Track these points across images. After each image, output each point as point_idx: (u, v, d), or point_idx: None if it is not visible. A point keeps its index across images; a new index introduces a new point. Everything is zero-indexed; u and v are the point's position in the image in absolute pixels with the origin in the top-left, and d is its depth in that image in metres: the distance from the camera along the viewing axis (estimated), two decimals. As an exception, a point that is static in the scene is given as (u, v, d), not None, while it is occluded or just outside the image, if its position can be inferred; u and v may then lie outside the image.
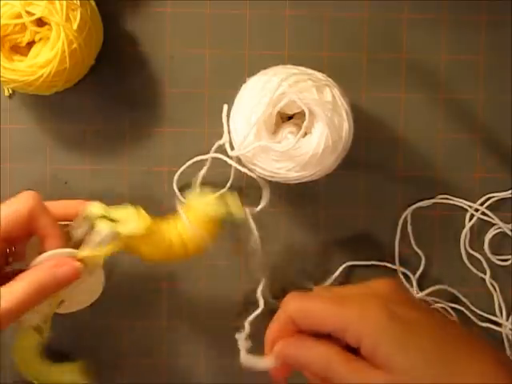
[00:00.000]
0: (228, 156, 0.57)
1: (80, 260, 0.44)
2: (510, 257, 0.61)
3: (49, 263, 0.43)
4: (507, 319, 0.61)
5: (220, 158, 0.58)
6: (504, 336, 0.60)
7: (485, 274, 0.61)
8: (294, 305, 0.38)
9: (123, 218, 0.47)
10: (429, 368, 0.33)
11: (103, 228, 0.45)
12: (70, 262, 0.43)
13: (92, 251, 0.45)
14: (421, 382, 0.33)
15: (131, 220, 0.46)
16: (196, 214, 0.50)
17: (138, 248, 0.48)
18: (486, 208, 0.60)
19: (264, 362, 0.41)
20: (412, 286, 0.60)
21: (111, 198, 0.60)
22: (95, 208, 0.46)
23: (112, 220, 0.46)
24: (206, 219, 0.49)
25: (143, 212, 0.48)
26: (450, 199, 0.60)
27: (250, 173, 0.55)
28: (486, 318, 0.61)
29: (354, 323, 0.35)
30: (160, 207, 0.60)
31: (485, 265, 0.61)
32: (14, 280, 0.41)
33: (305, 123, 0.51)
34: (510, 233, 0.60)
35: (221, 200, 0.50)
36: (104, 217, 0.46)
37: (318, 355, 0.36)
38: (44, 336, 0.46)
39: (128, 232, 0.46)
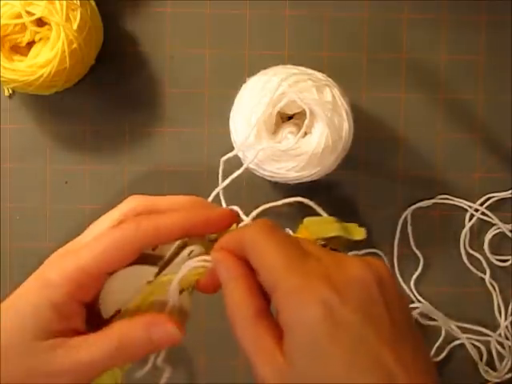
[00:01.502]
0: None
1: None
2: (509, 257, 0.61)
3: (143, 320, 0.34)
4: (505, 319, 0.61)
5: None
6: (492, 347, 0.60)
7: (484, 273, 0.61)
8: (251, 232, 0.32)
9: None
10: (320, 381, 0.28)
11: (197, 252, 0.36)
12: (167, 326, 0.36)
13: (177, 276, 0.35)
14: None
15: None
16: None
17: None
18: (486, 208, 0.60)
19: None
20: (409, 286, 0.60)
21: (111, 198, 0.60)
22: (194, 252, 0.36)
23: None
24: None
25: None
26: (450, 199, 0.60)
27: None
28: (476, 330, 0.61)
29: (281, 292, 0.30)
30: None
31: (484, 265, 0.61)
32: (109, 333, 0.34)
33: (306, 122, 0.51)
34: (509, 233, 0.60)
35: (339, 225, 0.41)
36: None
37: (228, 299, 0.32)
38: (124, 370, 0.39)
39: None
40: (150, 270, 0.35)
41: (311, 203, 0.41)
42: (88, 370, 0.33)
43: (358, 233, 0.40)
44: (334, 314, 0.28)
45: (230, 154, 0.55)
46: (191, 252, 0.35)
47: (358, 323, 0.28)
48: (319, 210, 0.41)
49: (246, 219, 0.39)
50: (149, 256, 0.35)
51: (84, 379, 0.33)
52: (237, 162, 0.56)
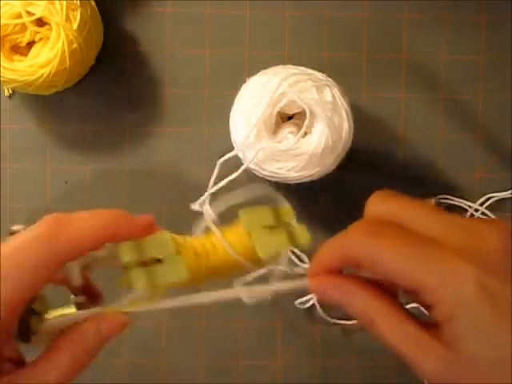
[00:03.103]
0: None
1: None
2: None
3: (92, 325, 0.33)
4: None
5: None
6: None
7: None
8: (360, 244, 0.29)
9: (161, 256, 0.34)
10: (496, 367, 0.27)
11: (137, 283, 0.33)
12: (114, 316, 0.33)
13: (128, 305, 0.34)
14: (479, 376, 0.27)
15: (173, 262, 0.34)
16: (245, 243, 0.36)
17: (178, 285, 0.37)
18: (486, 208, 0.60)
19: (301, 283, 0.33)
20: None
21: (111, 198, 0.60)
22: (125, 254, 0.34)
23: (147, 263, 0.34)
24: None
25: (187, 241, 0.36)
26: (450, 199, 0.60)
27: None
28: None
29: (433, 289, 0.28)
30: (161, 207, 0.60)
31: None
32: (55, 351, 0.32)
33: (306, 122, 0.51)
34: (509, 233, 0.60)
35: (279, 224, 0.37)
36: (137, 263, 0.34)
37: (360, 309, 0.30)
38: None
39: (170, 281, 0.34)
40: (89, 312, 0.34)
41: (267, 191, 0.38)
42: None
43: (303, 236, 0.36)
44: (489, 290, 0.27)
45: (230, 155, 0.54)
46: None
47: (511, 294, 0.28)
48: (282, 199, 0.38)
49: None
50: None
51: None
52: (236, 162, 0.56)
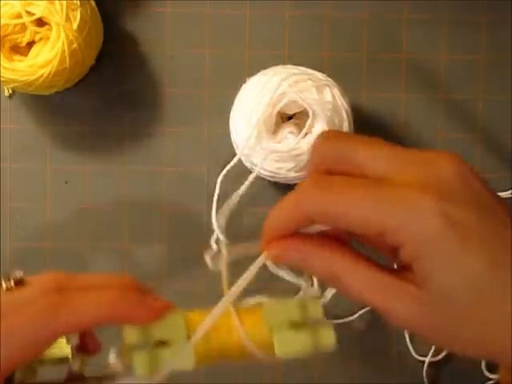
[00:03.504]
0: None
1: None
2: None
3: None
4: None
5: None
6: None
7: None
8: (313, 202, 0.28)
9: (169, 339, 0.32)
10: (474, 297, 0.26)
11: (138, 369, 0.31)
12: None
13: None
14: (456, 310, 0.26)
15: (180, 348, 0.31)
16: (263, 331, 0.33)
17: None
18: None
19: (253, 251, 0.31)
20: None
21: (111, 198, 0.60)
22: (129, 334, 0.31)
23: (152, 343, 0.32)
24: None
25: (199, 321, 0.32)
26: (450, 199, 0.60)
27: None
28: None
29: (396, 229, 0.26)
30: (160, 207, 0.60)
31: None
32: None
33: (308, 121, 0.51)
34: (509, 233, 0.60)
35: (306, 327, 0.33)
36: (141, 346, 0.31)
37: (322, 267, 0.29)
38: None
39: (174, 369, 0.31)
40: None
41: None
42: None
43: (327, 338, 0.32)
44: (453, 219, 0.26)
45: (230, 164, 0.53)
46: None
47: (476, 220, 0.27)
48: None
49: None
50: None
51: None
52: (236, 163, 0.56)
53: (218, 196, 0.55)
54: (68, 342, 0.32)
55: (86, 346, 0.33)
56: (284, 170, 0.52)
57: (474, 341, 0.27)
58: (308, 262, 0.29)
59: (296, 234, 0.30)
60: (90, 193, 0.60)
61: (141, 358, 0.31)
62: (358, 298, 0.28)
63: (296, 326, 0.32)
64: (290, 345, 0.32)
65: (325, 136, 0.30)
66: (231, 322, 0.32)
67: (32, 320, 0.28)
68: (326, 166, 0.29)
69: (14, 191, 0.60)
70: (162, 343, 0.31)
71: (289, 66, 0.54)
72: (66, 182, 0.60)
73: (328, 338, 0.32)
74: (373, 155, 0.28)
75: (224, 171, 0.53)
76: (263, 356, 0.32)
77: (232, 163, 0.53)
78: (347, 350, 0.61)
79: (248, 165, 0.54)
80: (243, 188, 0.43)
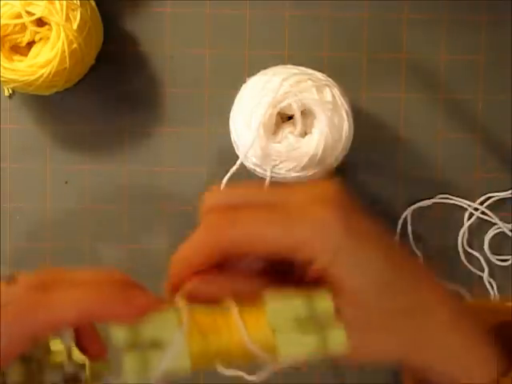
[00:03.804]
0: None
1: None
2: (509, 257, 0.61)
3: None
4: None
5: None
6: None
7: (483, 272, 0.61)
8: (225, 232, 0.29)
9: (161, 338, 0.29)
10: (379, 293, 0.29)
11: (127, 372, 0.29)
12: None
13: None
14: (367, 306, 0.29)
15: (174, 348, 0.29)
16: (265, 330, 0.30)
17: None
18: (486, 208, 0.60)
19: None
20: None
21: (111, 198, 0.60)
22: (117, 333, 0.29)
23: (142, 343, 0.29)
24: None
25: (195, 318, 0.30)
26: (450, 199, 0.60)
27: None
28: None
29: (308, 242, 0.28)
30: (160, 207, 0.60)
31: (483, 263, 0.61)
32: None
33: (296, 116, 0.51)
34: (509, 233, 0.60)
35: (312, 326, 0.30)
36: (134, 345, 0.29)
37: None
38: None
39: (168, 371, 0.29)
40: None
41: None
42: None
43: (337, 341, 0.29)
44: (350, 226, 0.29)
45: (233, 169, 0.53)
46: None
47: (365, 226, 0.30)
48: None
49: None
50: None
51: None
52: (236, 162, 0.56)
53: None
54: (61, 342, 0.31)
55: (86, 349, 0.32)
56: (284, 170, 0.52)
57: (384, 334, 0.30)
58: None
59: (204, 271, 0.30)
60: (89, 193, 0.60)
61: (130, 361, 0.29)
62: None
63: (302, 325, 0.30)
64: (294, 347, 0.30)
65: (211, 191, 0.32)
66: (232, 321, 0.30)
67: (10, 320, 0.28)
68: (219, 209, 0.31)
69: (14, 191, 0.60)
70: (154, 344, 0.29)
71: (289, 66, 0.54)
72: (66, 182, 0.60)
73: (338, 338, 0.29)
74: (254, 195, 0.31)
75: (228, 175, 0.53)
76: (266, 358, 0.30)
77: (234, 168, 0.53)
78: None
79: (248, 165, 0.54)
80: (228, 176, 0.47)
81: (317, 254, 0.29)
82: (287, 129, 0.53)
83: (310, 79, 0.51)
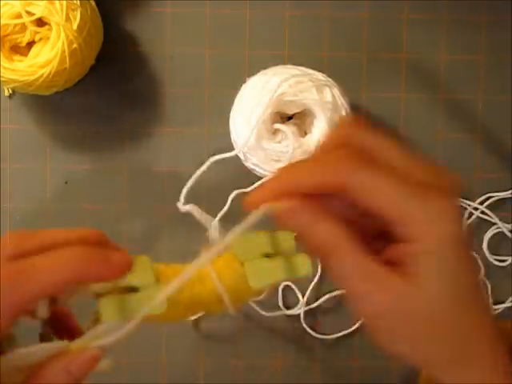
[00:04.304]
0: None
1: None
2: (508, 257, 0.61)
3: (60, 366, 0.30)
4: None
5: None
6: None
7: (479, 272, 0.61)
8: (354, 172, 0.28)
9: (138, 284, 0.31)
10: (452, 305, 0.28)
11: (105, 314, 0.30)
12: (83, 353, 0.30)
13: (95, 340, 0.31)
14: (433, 310, 0.28)
15: (150, 291, 0.31)
16: (236, 271, 0.32)
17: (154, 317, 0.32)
18: (486, 207, 0.60)
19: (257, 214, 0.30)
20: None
21: (111, 198, 0.60)
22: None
23: (121, 291, 0.31)
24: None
25: (170, 269, 0.32)
26: (450, 199, 0.60)
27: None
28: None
29: (417, 221, 0.28)
30: (160, 207, 0.60)
31: (480, 263, 0.60)
32: None
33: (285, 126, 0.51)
34: (508, 233, 0.60)
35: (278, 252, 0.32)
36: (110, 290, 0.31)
37: (324, 238, 0.29)
38: None
39: (145, 312, 0.31)
40: (57, 346, 0.30)
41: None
42: None
43: (303, 267, 0.32)
44: (460, 233, 0.29)
45: (225, 155, 0.54)
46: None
47: (466, 244, 0.29)
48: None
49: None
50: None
51: None
52: (236, 162, 0.56)
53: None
54: (38, 314, 0.31)
55: (60, 328, 0.33)
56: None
57: (420, 342, 0.29)
58: (313, 228, 0.29)
59: (305, 197, 0.29)
60: (89, 193, 0.60)
61: (107, 303, 0.30)
62: (339, 277, 0.29)
63: (269, 256, 0.31)
64: (263, 275, 0.31)
65: (352, 122, 0.32)
66: (203, 270, 0.31)
67: None
68: (354, 148, 0.30)
69: (14, 191, 0.60)
70: (131, 289, 0.31)
71: (289, 66, 0.54)
72: (66, 182, 0.60)
73: (303, 265, 0.32)
74: (394, 150, 0.31)
75: (213, 158, 0.53)
76: (230, 303, 0.31)
77: (226, 155, 0.53)
78: (347, 350, 0.61)
79: (248, 165, 0.54)
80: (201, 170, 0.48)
81: (421, 237, 0.28)
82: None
83: (310, 79, 0.52)
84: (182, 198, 0.51)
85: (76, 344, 0.30)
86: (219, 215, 0.57)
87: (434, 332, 0.29)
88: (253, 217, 0.30)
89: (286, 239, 0.32)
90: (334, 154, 0.29)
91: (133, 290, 0.31)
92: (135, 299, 0.30)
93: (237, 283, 0.31)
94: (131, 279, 0.30)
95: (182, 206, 0.46)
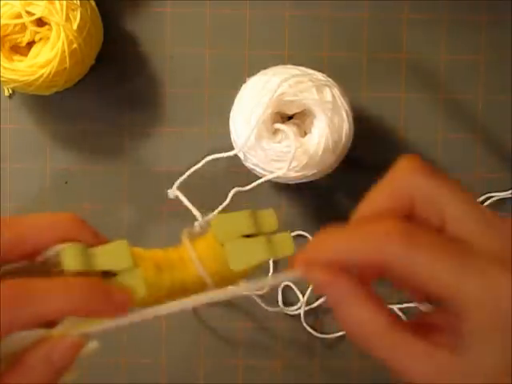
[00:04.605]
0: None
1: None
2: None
3: (40, 354, 0.28)
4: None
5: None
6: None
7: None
8: (395, 251, 0.26)
9: (115, 269, 0.30)
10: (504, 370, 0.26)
11: None
12: (65, 340, 0.29)
13: (76, 328, 0.29)
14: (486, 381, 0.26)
15: (128, 276, 0.30)
16: (218, 253, 0.31)
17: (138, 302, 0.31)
18: (486, 207, 0.60)
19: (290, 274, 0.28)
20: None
21: (111, 198, 0.60)
22: (70, 260, 0.29)
23: (97, 276, 0.30)
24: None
25: (139, 250, 0.31)
26: (450, 199, 0.60)
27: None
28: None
29: (466, 299, 0.26)
30: (160, 207, 0.60)
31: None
32: None
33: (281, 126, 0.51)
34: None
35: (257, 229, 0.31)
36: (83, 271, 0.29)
37: (364, 320, 0.27)
38: None
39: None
40: (38, 333, 0.29)
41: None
42: None
43: (286, 247, 0.30)
44: None
45: (224, 155, 0.54)
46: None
47: None
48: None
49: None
50: None
51: None
52: (236, 162, 0.56)
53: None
54: None
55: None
56: (284, 170, 0.52)
57: None
58: (348, 309, 0.28)
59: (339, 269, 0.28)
60: (89, 193, 0.60)
61: None
62: (373, 352, 0.29)
63: (250, 237, 0.30)
64: (243, 256, 0.30)
65: (415, 165, 0.28)
66: (185, 254, 0.30)
67: None
68: (408, 204, 0.28)
69: (14, 191, 0.60)
70: (107, 274, 0.29)
71: (289, 66, 0.54)
72: (66, 182, 0.60)
73: (287, 246, 0.30)
74: (463, 211, 0.27)
75: (209, 158, 0.53)
76: (211, 284, 0.30)
77: (225, 154, 0.54)
78: (347, 350, 0.61)
79: (248, 165, 0.54)
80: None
81: (468, 315, 0.26)
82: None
83: (310, 79, 0.52)
84: (174, 187, 0.53)
85: (57, 331, 0.29)
86: (219, 208, 0.56)
87: None
88: (283, 274, 0.29)
89: (268, 218, 0.31)
90: (380, 226, 0.27)
91: (108, 274, 0.29)
92: (113, 284, 0.29)
93: (220, 265, 0.30)
94: (107, 263, 0.29)
95: (171, 191, 0.48)
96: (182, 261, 0.31)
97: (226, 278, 0.31)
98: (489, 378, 0.26)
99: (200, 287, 0.31)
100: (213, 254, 0.30)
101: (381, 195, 0.29)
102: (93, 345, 0.30)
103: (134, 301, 0.29)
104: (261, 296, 0.59)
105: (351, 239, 0.28)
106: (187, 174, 0.54)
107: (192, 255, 0.30)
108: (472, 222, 0.27)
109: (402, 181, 0.28)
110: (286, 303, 0.61)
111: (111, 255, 0.29)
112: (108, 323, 0.29)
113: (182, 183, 0.56)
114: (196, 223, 0.31)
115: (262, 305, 0.60)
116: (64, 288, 0.28)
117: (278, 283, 0.29)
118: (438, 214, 0.27)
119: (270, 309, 0.60)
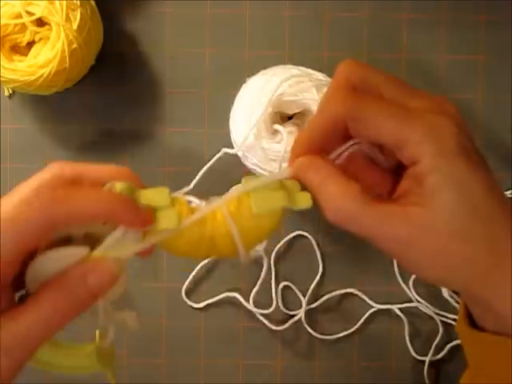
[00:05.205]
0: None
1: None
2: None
3: (75, 272, 0.31)
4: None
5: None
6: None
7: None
8: (346, 103, 0.31)
9: (155, 205, 0.34)
10: (472, 226, 0.29)
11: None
12: (101, 265, 0.32)
13: (114, 251, 0.33)
14: (453, 227, 0.29)
15: (166, 210, 0.34)
16: (247, 208, 0.35)
17: (171, 243, 0.35)
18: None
19: (282, 173, 0.34)
20: (408, 285, 0.60)
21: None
22: (119, 185, 0.33)
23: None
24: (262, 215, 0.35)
25: (182, 199, 0.35)
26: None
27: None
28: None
29: (418, 143, 0.30)
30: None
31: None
32: (35, 301, 0.30)
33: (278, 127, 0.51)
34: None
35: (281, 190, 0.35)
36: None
37: (333, 191, 0.31)
38: None
39: (162, 227, 0.34)
40: (77, 251, 0.32)
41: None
42: (25, 343, 0.30)
43: (304, 200, 0.35)
44: (462, 143, 0.30)
45: (232, 151, 0.55)
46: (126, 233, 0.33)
47: (475, 151, 0.31)
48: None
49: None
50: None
51: (21, 354, 0.30)
52: (236, 161, 0.56)
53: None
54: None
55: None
56: (284, 170, 0.52)
57: (452, 262, 0.29)
58: (321, 187, 0.32)
59: (320, 156, 0.33)
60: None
61: None
62: (358, 226, 0.31)
63: (272, 190, 0.34)
64: (265, 201, 0.34)
65: (349, 62, 0.34)
66: (217, 212, 0.35)
67: (33, 208, 0.30)
68: (350, 86, 0.33)
69: (14, 191, 0.60)
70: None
71: (289, 66, 0.54)
72: (66, 182, 0.60)
73: (305, 200, 0.34)
74: (392, 83, 0.33)
75: (224, 150, 0.54)
76: (241, 245, 0.34)
77: (220, 154, 0.53)
78: (346, 350, 0.61)
79: (248, 165, 0.54)
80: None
81: (422, 156, 0.30)
82: (287, 129, 0.53)
83: (310, 79, 0.52)
84: (192, 185, 0.57)
85: (97, 252, 0.32)
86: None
87: (463, 247, 0.29)
88: (272, 175, 0.35)
89: (293, 183, 0.35)
90: (334, 97, 0.32)
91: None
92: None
93: (246, 221, 0.34)
94: (151, 199, 0.34)
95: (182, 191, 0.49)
96: (214, 215, 0.35)
97: (252, 235, 0.35)
98: (456, 216, 0.29)
99: (229, 244, 0.35)
100: (240, 210, 0.34)
101: (331, 87, 0.34)
102: (133, 314, 0.36)
103: (170, 231, 0.34)
104: (261, 296, 0.59)
105: (316, 118, 0.33)
106: (201, 173, 0.57)
107: (224, 211, 0.34)
108: (402, 91, 0.33)
109: (344, 73, 0.34)
110: (286, 303, 0.61)
111: (154, 194, 0.34)
112: (136, 247, 0.33)
113: (181, 182, 0.56)
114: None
115: (262, 305, 0.60)
116: (98, 194, 0.32)
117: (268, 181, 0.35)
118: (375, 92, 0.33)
119: (269, 309, 0.60)
